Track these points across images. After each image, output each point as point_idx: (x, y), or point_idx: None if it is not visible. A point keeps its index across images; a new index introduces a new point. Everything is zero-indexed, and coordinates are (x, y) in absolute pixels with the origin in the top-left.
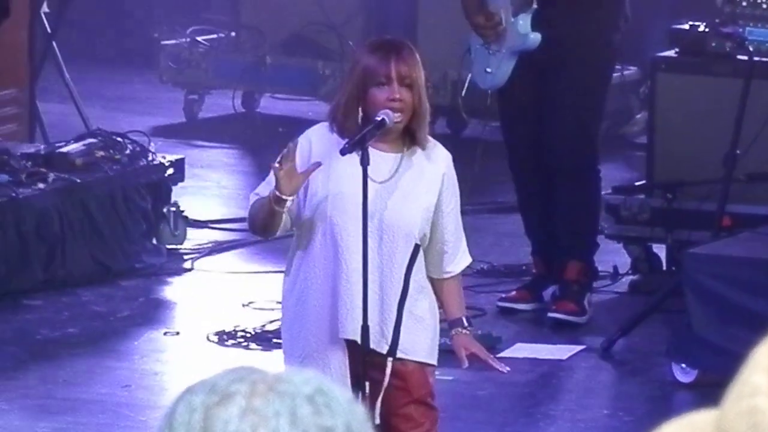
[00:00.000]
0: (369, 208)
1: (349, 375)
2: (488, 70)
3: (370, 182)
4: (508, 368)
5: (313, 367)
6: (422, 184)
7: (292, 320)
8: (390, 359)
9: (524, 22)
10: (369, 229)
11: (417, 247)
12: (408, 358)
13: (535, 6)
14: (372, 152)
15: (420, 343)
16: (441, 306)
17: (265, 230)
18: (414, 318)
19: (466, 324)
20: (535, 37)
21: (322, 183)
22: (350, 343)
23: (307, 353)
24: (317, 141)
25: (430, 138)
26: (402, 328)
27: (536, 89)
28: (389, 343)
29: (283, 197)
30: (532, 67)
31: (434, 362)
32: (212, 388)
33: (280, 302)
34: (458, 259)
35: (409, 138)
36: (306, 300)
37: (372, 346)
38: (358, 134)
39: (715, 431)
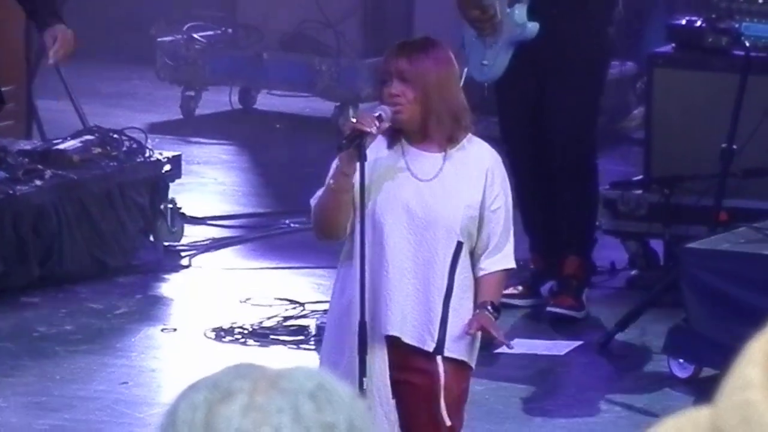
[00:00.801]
0: (411, 206)
1: (388, 370)
2: (485, 62)
3: (414, 180)
4: (513, 345)
5: (357, 365)
6: (465, 181)
7: (339, 317)
8: (439, 357)
9: (520, 12)
10: (411, 227)
11: (460, 245)
12: (452, 356)
13: None
14: (414, 152)
15: (461, 343)
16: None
17: (331, 226)
18: (459, 317)
19: (491, 309)
20: (533, 27)
21: (367, 184)
22: (391, 340)
23: (352, 350)
24: (374, 146)
25: (474, 137)
26: (449, 326)
27: (533, 85)
28: (435, 340)
29: (346, 172)
30: (528, 63)
31: (472, 364)
32: (214, 385)
33: (277, 298)
34: (496, 258)
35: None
36: (353, 297)
37: (416, 343)
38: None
39: (710, 425)
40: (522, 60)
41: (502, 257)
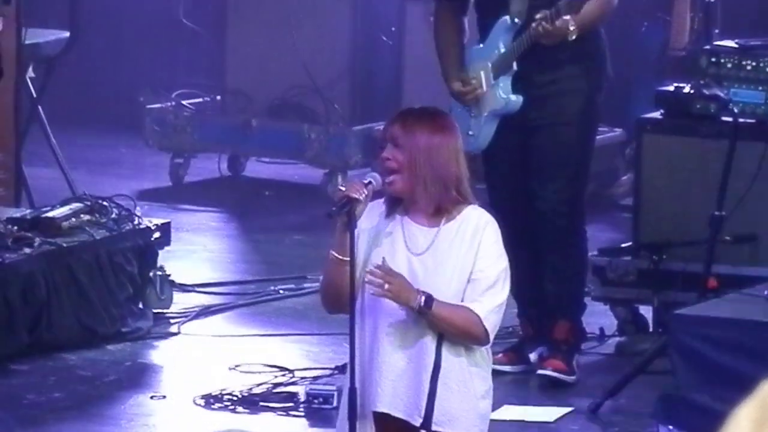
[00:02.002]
0: None
1: None
2: (470, 132)
3: (408, 255)
4: (373, 282)
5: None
6: (457, 254)
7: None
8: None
9: (504, 84)
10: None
11: None
12: (443, 431)
13: (515, 68)
14: (410, 224)
15: (459, 417)
16: None
17: (336, 298)
18: (450, 391)
19: (423, 297)
20: (517, 100)
21: (364, 255)
22: (382, 416)
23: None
24: (370, 209)
25: (470, 206)
26: (437, 401)
27: (521, 151)
28: (422, 416)
29: (335, 255)
30: (516, 129)
31: None
32: None
33: (266, 365)
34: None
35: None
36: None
37: (404, 417)
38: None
39: None
40: (509, 127)
41: (476, 304)
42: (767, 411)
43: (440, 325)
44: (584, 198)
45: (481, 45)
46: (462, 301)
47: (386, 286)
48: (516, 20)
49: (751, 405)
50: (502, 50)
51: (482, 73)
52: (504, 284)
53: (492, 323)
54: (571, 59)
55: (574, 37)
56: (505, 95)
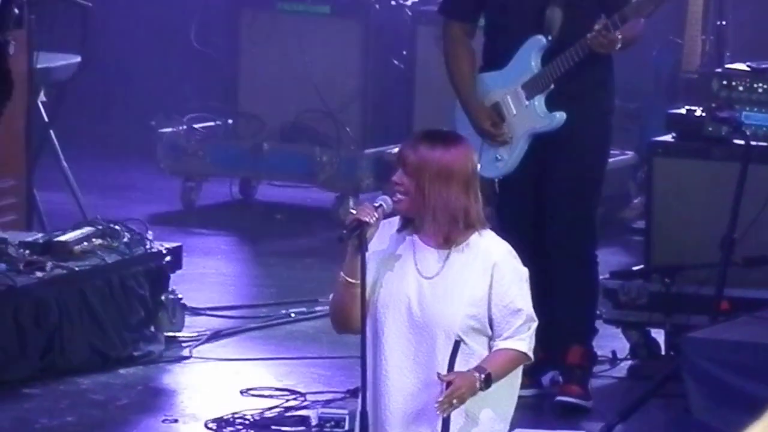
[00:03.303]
0: (411, 304)
1: None
2: (499, 157)
3: (418, 278)
4: (449, 408)
5: None
6: (468, 279)
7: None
8: None
9: (540, 103)
10: (410, 325)
11: (457, 344)
12: None
13: (552, 87)
14: (422, 247)
15: None
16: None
17: (345, 319)
18: (468, 417)
19: (480, 375)
20: (561, 117)
21: (373, 276)
22: None
23: None
24: (381, 229)
25: (485, 231)
26: (452, 426)
27: (535, 173)
28: None
29: (345, 278)
30: (531, 151)
31: None
32: None
33: (278, 389)
34: (509, 341)
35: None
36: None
37: None
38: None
39: None
40: (528, 149)
41: (515, 340)
42: None
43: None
44: (597, 221)
45: (499, 69)
46: (492, 329)
47: (455, 402)
48: (549, 38)
49: (758, 428)
50: (535, 70)
51: (508, 97)
52: (530, 303)
53: (533, 348)
54: (591, 83)
55: (618, 47)
56: (546, 114)
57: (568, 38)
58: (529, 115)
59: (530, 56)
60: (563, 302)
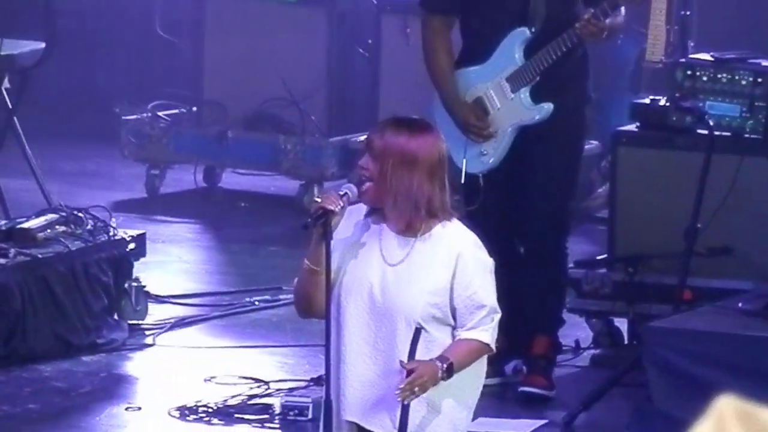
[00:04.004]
0: (374, 290)
1: None
2: (484, 152)
3: (383, 264)
4: (410, 396)
5: None
6: (431, 267)
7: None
8: None
9: (526, 96)
10: (372, 312)
11: (418, 331)
12: None
13: (538, 78)
14: (389, 234)
15: (436, 428)
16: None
17: (309, 305)
18: (429, 405)
19: (442, 364)
20: (548, 107)
21: (338, 262)
22: (360, 426)
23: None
24: (348, 216)
25: (451, 221)
26: (415, 414)
27: (510, 164)
28: (396, 428)
29: (309, 265)
30: (511, 143)
31: None
32: None
33: (241, 377)
34: (471, 332)
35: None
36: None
37: (377, 429)
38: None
39: None
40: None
41: (477, 331)
42: (725, 426)
43: (462, 368)
44: (569, 215)
45: (480, 64)
46: (455, 319)
47: (416, 390)
48: (533, 29)
49: (708, 421)
50: (519, 63)
51: (491, 91)
52: (495, 294)
53: (494, 339)
54: (571, 74)
55: (605, 35)
56: (532, 106)
57: (551, 30)
58: (515, 108)
59: (514, 49)
60: (532, 292)
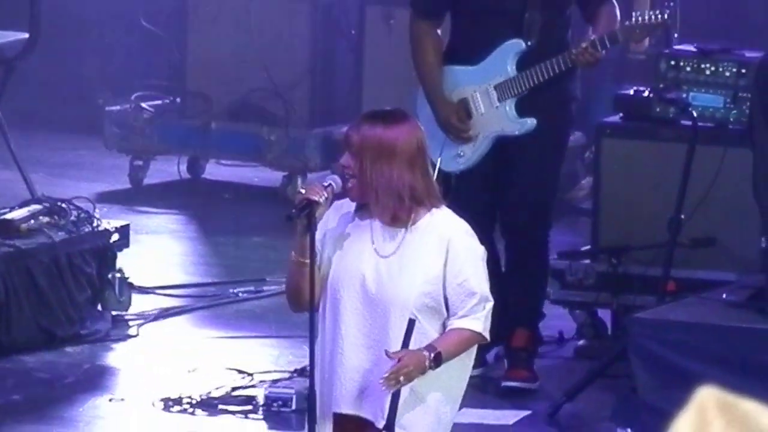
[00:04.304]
0: (367, 282)
1: None
2: (461, 154)
3: (375, 256)
4: (395, 385)
5: None
6: (423, 257)
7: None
8: None
9: (510, 107)
10: (365, 303)
11: (412, 322)
12: None
13: (525, 92)
14: (380, 226)
15: (419, 423)
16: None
17: (298, 297)
18: (416, 396)
19: (430, 354)
20: (531, 123)
21: (329, 254)
22: (346, 417)
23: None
24: (338, 209)
25: (440, 210)
26: (402, 404)
27: (495, 158)
28: (385, 417)
29: (296, 257)
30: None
31: None
32: None
33: (225, 368)
34: (463, 320)
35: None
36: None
37: (370, 417)
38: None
39: None
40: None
41: (469, 320)
42: (705, 417)
43: (452, 358)
44: (552, 210)
45: (473, 66)
46: (447, 308)
47: (401, 379)
48: (528, 43)
49: (689, 413)
50: (511, 74)
51: (478, 95)
52: (487, 283)
53: (488, 328)
54: (558, 73)
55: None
56: (516, 119)
57: (546, 44)
58: (498, 117)
59: (507, 59)
60: (513, 285)
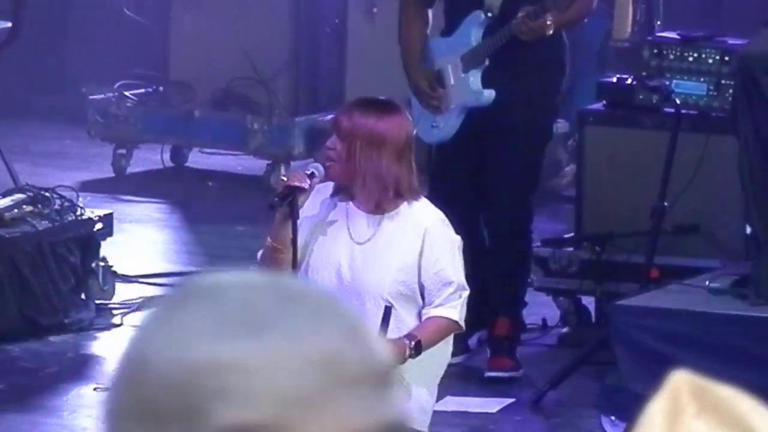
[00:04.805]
0: (342, 269)
1: None
2: (434, 125)
3: (350, 242)
4: None
5: None
6: (399, 245)
7: None
8: None
9: (475, 78)
10: (340, 290)
11: (388, 309)
12: None
13: (487, 63)
14: (356, 213)
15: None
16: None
17: None
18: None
19: (410, 342)
20: (489, 95)
21: (305, 240)
22: None
23: None
24: (315, 195)
25: (416, 199)
26: None
27: (476, 147)
28: (381, 323)
29: (272, 243)
30: (474, 127)
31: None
32: None
33: None
34: (439, 309)
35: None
36: None
37: None
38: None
39: None
40: (467, 124)
41: (446, 308)
42: (679, 402)
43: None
44: (533, 199)
45: (446, 37)
46: (423, 297)
47: None
48: (489, 14)
49: (661, 397)
50: (474, 44)
51: (449, 67)
52: (463, 272)
53: (463, 316)
54: (536, 62)
55: (550, 33)
56: (477, 89)
57: (511, 17)
58: (463, 88)
59: (471, 30)
60: (495, 274)
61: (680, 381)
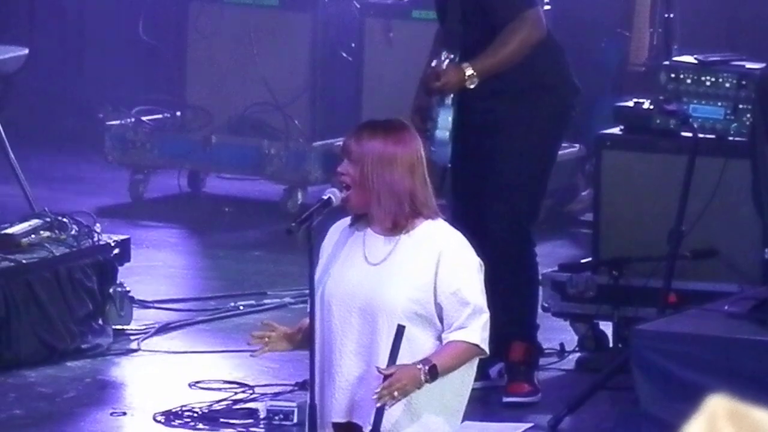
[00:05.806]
0: (356, 289)
1: None
2: (432, 149)
3: (365, 265)
4: (390, 401)
5: None
6: (413, 265)
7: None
8: None
9: (444, 115)
10: (355, 311)
11: (401, 328)
12: None
13: (449, 104)
14: (372, 235)
15: (412, 427)
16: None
17: None
18: (412, 410)
19: (425, 367)
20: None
21: (325, 266)
22: (342, 426)
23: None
24: (332, 234)
25: (435, 221)
26: (398, 418)
27: (476, 170)
28: (371, 422)
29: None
30: (473, 150)
31: None
32: None
33: (226, 381)
34: (458, 332)
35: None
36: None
37: (361, 423)
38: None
39: None
40: (467, 144)
41: (465, 331)
42: (715, 426)
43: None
44: (530, 222)
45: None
46: (442, 321)
47: (395, 393)
48: (452, 56)
49: (698, 421)
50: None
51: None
52: (484, 295)
53: (486, 340)
54: (513, 88)
55: (474, 84)
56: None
57: (469, 58)
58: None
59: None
60: (503, 300)
61: (717, 405)
